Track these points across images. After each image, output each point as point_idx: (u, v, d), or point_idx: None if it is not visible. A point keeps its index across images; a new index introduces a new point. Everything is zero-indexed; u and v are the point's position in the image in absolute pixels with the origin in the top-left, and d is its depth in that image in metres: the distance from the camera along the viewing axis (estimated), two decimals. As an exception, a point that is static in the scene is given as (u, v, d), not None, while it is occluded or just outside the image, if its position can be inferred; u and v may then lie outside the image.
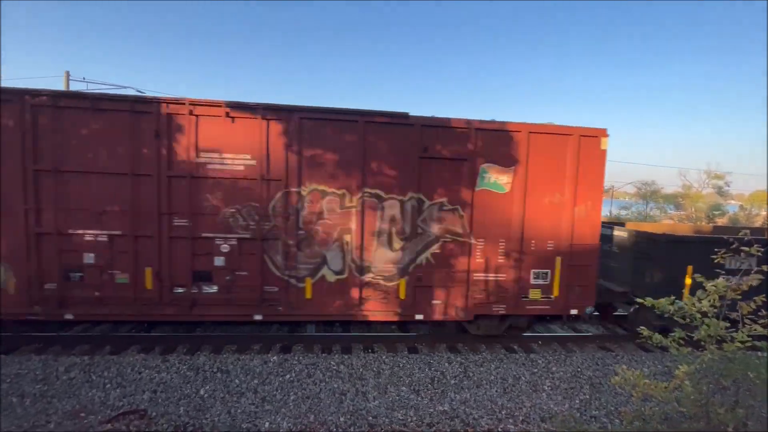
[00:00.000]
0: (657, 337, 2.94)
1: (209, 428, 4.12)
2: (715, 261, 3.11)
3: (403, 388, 5.03)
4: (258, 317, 5.68)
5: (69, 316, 5.41)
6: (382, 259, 5.80)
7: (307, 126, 5.53)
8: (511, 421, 4.48)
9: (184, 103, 5.32)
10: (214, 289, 5.59)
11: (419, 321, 6.06)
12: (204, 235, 5.49)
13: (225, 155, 5.45)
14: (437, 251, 5.87)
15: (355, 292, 5.81)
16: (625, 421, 3.01)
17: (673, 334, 2.87)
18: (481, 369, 5.55)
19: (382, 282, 5.84)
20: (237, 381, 4.99)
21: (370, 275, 5.81)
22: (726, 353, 2.66)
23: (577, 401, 4.90)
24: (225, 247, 5.52)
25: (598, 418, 4.58)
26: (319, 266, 5.72)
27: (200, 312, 5.63)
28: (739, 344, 2.64)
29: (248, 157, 5.46)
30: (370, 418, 4.40)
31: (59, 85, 16.64)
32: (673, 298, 2.88)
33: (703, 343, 2.77)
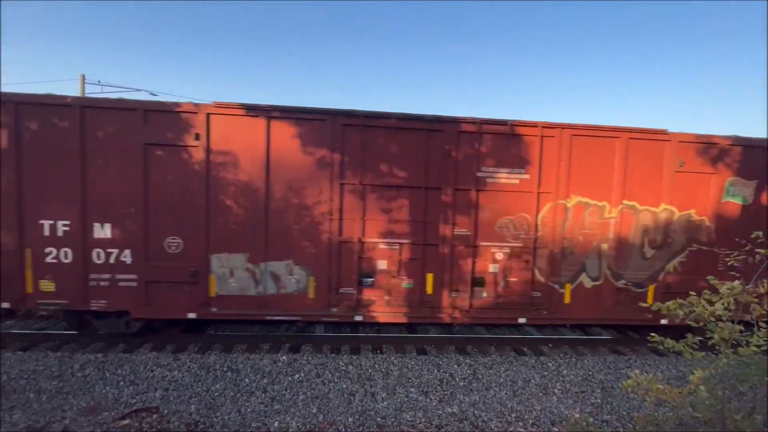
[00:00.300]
0: (669, 342, 2.89)
1: (220, 426, 4.17)
2: (729, 264, 3.06)
3: (412, 389, 5.02)
4: (522, 320, 6.08)
5: (359, 318, 5.86)
6: (634, 267, 6.15)
7: (575, 142, 5.91)
8: (521, 424, 4.45)
9: (474, 123, 5.73)
10: (485, 294, 5.99)
11: (664, 326, 6.26)
12: (482, 243, 5.89)
13: (502, 169, 5.86)
14: (684, 260, 6.18)
15: (608, 298, 6.15)
16: (638, 426, 2.97)
17: (685, 338, 2.82)
18: (491, 371, 5.52)
19: (632, 288, 6.20)
20: (247, 380, 5.03)
21: (623, 282, 6.16)
22: (742, 357, 2.60)
23: (588, 405, 4.84)
24: (499, 255, 5.93)
25: (610, 422, 4.52)
26: (578, 273, 6.10)
27: (475, 315, 5.99)
28: (755, 348, 2.58)
29: (523, 171, 5.89)
30: (379, 419, 4.41)
31: (74, 88, 17.04)
32: (679, 301, 2.83)
33: (717, 347, 2.72)
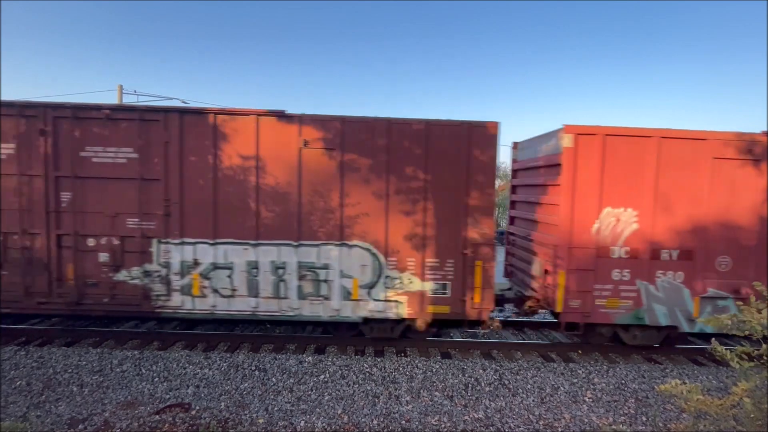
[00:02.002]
0: (723, 350, 2.73)
1: (248, 424, 4.28)
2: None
3: (437, 393, 4.99)
4: None
5: None
6: None
7: None
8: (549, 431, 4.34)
9: None
10: None
11: None
12: None
13: None
14: None
15: None
16: (675, 438, 2.84)
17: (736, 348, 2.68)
18: (518, 377, 5.40)
19: None
20: (274, 379, 5.14)
21: None
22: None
23: (621, 415, 4.66)
24: None
25: (645, 433, 4.34)
26: None
27: None
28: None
29: None
30: (404, 422, 4.40)
31: (113, 98, 17.95)
32: (731, 313, 2.71)
33: (765, 358, 2.57)
